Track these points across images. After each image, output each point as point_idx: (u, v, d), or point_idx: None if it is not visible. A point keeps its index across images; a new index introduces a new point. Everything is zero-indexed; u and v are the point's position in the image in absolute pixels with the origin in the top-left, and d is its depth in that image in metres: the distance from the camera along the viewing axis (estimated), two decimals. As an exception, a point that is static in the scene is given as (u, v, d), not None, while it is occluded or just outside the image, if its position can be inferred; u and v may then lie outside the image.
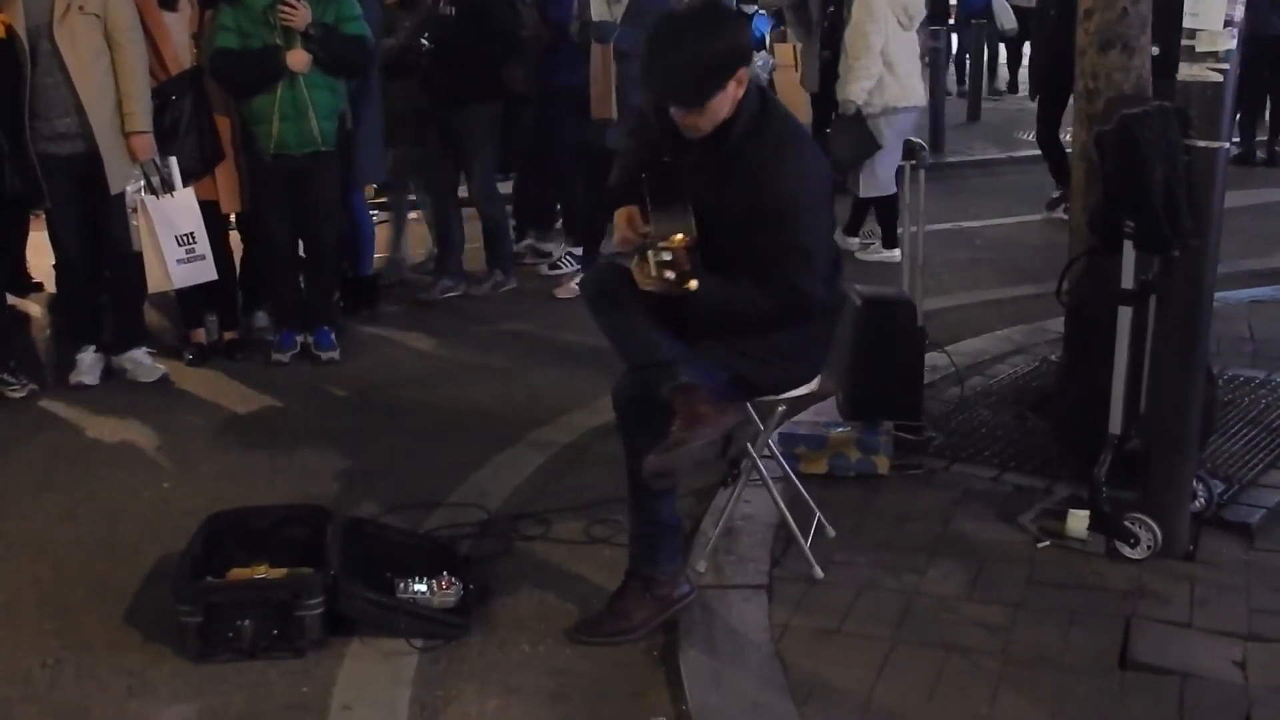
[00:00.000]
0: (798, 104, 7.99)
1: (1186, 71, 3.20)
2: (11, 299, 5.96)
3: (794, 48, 9.12)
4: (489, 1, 6.15)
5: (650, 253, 2.89)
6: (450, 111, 6.28)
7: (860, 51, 6.62)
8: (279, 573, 3.31)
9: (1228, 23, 3.12)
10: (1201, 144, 3.20)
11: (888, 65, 6.68)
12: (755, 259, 3.01)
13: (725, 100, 2.99)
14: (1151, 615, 3.18)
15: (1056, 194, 8.15)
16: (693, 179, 3.08)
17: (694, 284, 2.87)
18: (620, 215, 3.22)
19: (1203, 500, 3.59)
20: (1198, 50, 3.17)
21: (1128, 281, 3.44)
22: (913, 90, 6.85)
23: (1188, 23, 3.16)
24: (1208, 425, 3.72)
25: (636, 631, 3.20)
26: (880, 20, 6.66)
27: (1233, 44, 3.14)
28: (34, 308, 6.31)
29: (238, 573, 3.33)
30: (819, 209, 3.16)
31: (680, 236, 2.89)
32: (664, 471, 2.98)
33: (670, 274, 2.87)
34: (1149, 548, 3.40)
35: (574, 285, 6.30)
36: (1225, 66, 3.16)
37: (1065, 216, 6.66)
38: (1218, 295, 3.50)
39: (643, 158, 3.20)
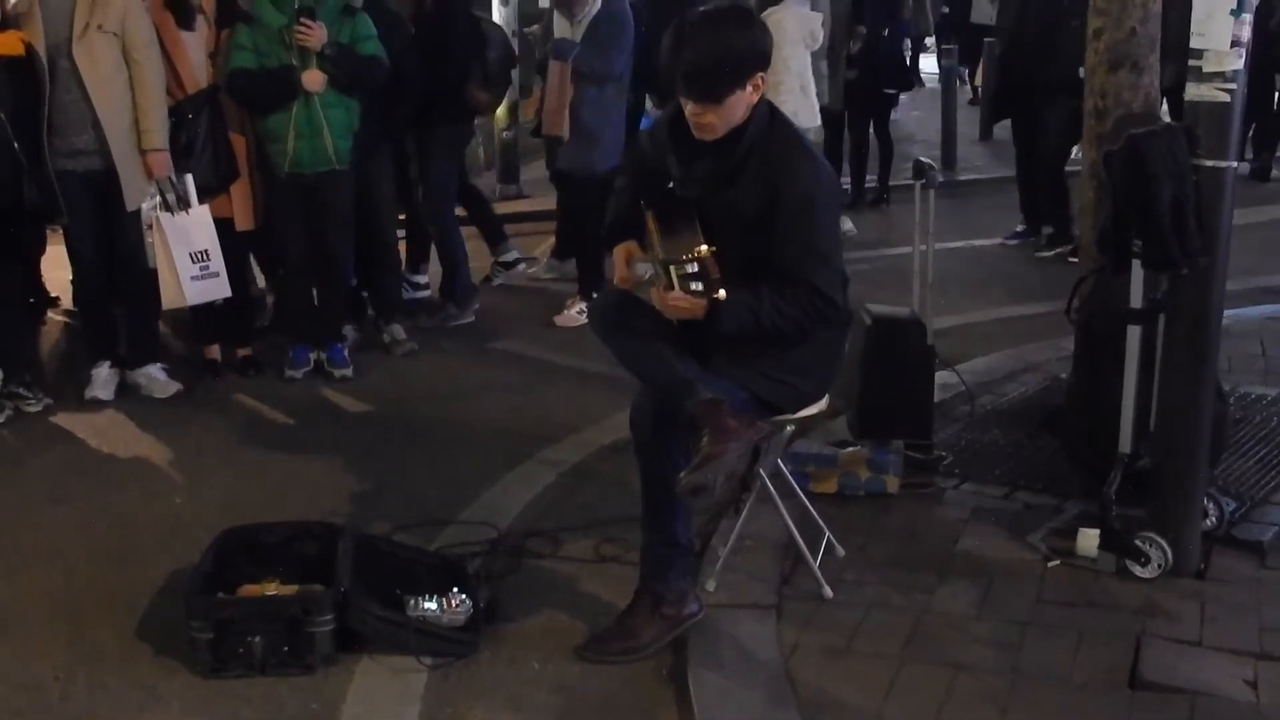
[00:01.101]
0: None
1: (1194, 91, 3.21)
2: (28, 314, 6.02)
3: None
4: (449, 24, 6.08)
5: (673, 268, 2.87)
6: (419, 133, 6.21)
7: (783, 74, 6.66)
8: (290, 589, 3.33)
9: (1234, 43, 3.13)
10: (1209, 163, 3.21)
11: (801, 88, 6.73)
12: (772, 262, 3.01)
13: (741, 101, 2.99)
14: (1162, 634, 3.17)
15: (1047, 231, 7.73)
16: (704, 187, 3.09)
17: (722, 293, 2.85)
18: (619, 253, 3.24)
19: (1214, 518, 3.58)
20: (1205, 70, 3.18)
21: (1137, 300, 3.44)
22: (817, 110, 6.92)
23: (1195, 43, 3.17)
24: (1219, 443, 3.71)
25: (645, 650, 3.20)
26: (795, 43, 6.74)
27: (1239, 64, 3.15)
28: (51, 322, 6.36)
29: (248, 589, 3.35)
30: (831, 211, 3.17)
31: (703, 248, 2.87)
32: (698, 488, 2.96)
33: (698, 285, 2.85)
34: (1159, 566, 3.39)
35: (574, 313, 6.23)
36: (1232, 86, 3.16)
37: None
38: (1229, 312, 3.50)
39: (639, 192, 3.20)
